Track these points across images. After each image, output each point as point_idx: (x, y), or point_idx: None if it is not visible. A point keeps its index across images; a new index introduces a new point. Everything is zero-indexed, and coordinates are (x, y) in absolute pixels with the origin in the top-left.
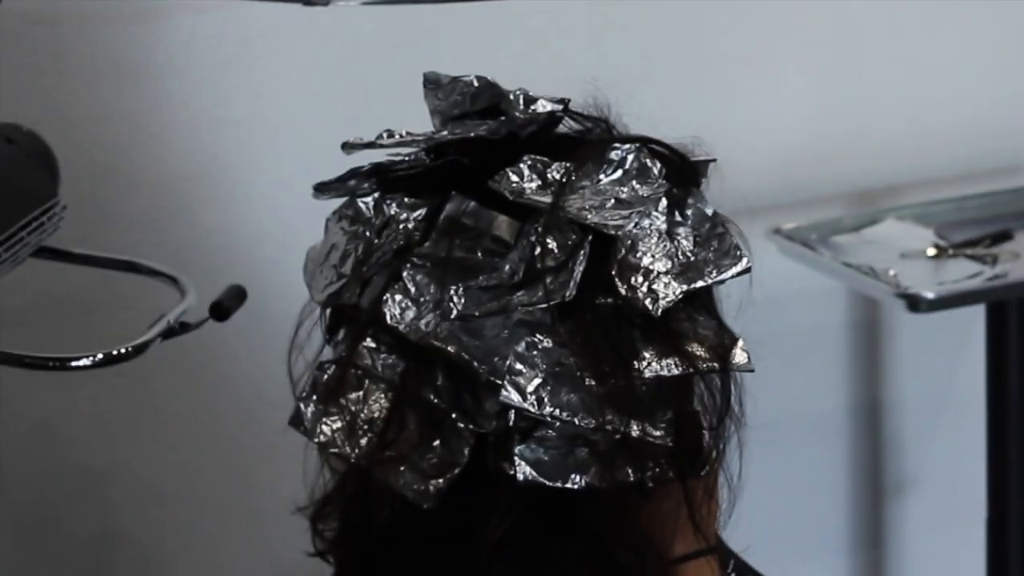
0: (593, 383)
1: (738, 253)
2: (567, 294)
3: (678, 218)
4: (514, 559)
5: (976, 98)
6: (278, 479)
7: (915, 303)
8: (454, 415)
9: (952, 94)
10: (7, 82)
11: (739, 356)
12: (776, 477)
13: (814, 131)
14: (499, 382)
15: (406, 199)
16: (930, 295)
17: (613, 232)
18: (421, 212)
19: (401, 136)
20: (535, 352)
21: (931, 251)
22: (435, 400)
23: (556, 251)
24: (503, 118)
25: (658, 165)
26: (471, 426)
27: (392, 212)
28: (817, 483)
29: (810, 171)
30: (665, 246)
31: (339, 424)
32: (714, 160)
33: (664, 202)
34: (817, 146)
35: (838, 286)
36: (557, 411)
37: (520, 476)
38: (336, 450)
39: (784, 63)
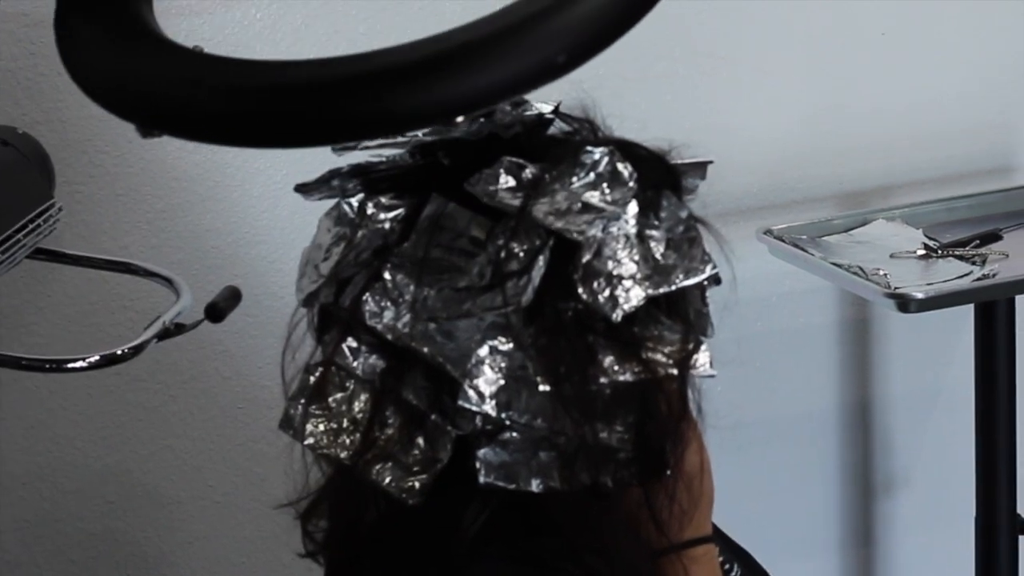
0: (548, 388)
1: (706, 259)
2: (524, 299)
3: (652, 220)
4: (500, 557)
5: (965, 100)
6: (274, 478)
7: (904, 303)
8: (433, 416)
9: (941, 96)
10: (4, 84)
11: (700, 361)
12: (766, 475)
13: (804, 132)
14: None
15: (385, 200)
16: (919, 295)
17: (575, 237)
18: (399, 212)
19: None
20: (497, 356)
21: (920, 251)
22: (414, 401)
23: (520, 255)
24: (482, 120)
25: (629, 169)
26: (449, 426)
27: (370, 212)
28: (807, 481)
29: (800, 172)
30: (632, 250)
31: (325, 425)
32: (711, 162)
33: (634, 206)
34: (807, 147)
35: (828, 286)
36: (515, 414)
37: (482, 479)
38: (323, 451)
39: (775, 64)
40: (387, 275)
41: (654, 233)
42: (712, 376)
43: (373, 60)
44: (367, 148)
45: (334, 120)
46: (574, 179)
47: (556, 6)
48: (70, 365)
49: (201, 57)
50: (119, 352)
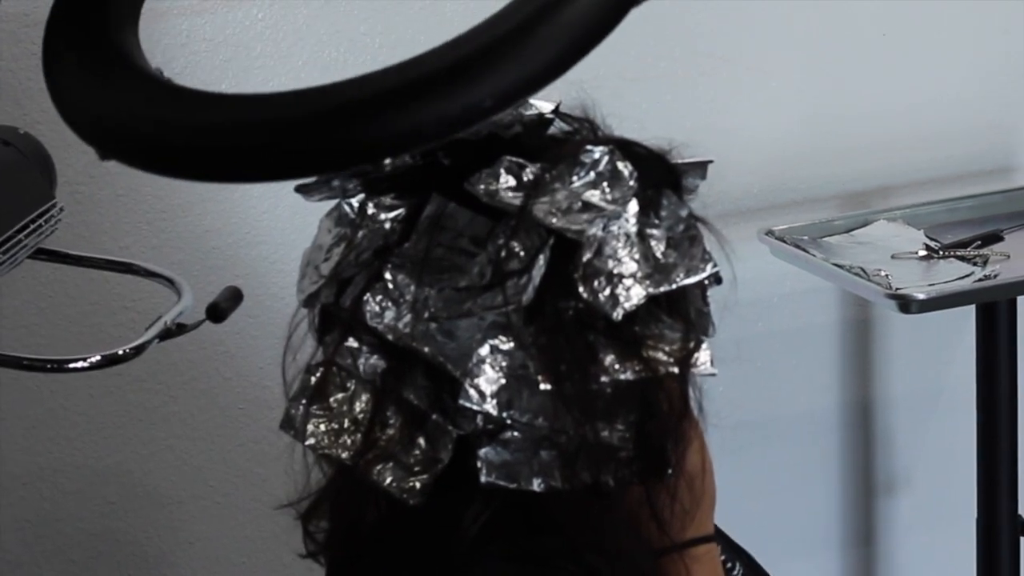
0: (549, 386)
1: (707, 257)
2: (525, 298)
3: (653, 219)
4: (501, 557)
5: (966, 100)
6: (275, 479)
7: (906, 304)
8: (434, 415)
9: (943, 96)
10: (5, 84)
11: (701, 360)
12: (768, 475)
13: (806, 133)
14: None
15: (385, 200)
16: (921, 296)
17: (574, 236)
18: (400, 212)
19: None
20: (498, 355)
21: (921, 252)
22: (415, 401)
23: (521, 254)
24: None
25: (629, 168)
26: (450, 426)
27: (371, 212)
28: (809, 481)
29: (802, 173)
30: (633, 249)
31: (326, 425)
32: (711, 161)
33: (634, 205)
34: (809, 148)
35: (829, 287)
36: (516, 414)
37: (483, 478)
38: (325, 451)
39: (776, 64)
40: (388, 275)
41: (654, 232)
42: (713, 375)
43: (309, 100)
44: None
45: (267, 159)
46: (574, 178)
47: (486, 50)
48: (71, 365)
49: (162, 89)
50: (120, 352)
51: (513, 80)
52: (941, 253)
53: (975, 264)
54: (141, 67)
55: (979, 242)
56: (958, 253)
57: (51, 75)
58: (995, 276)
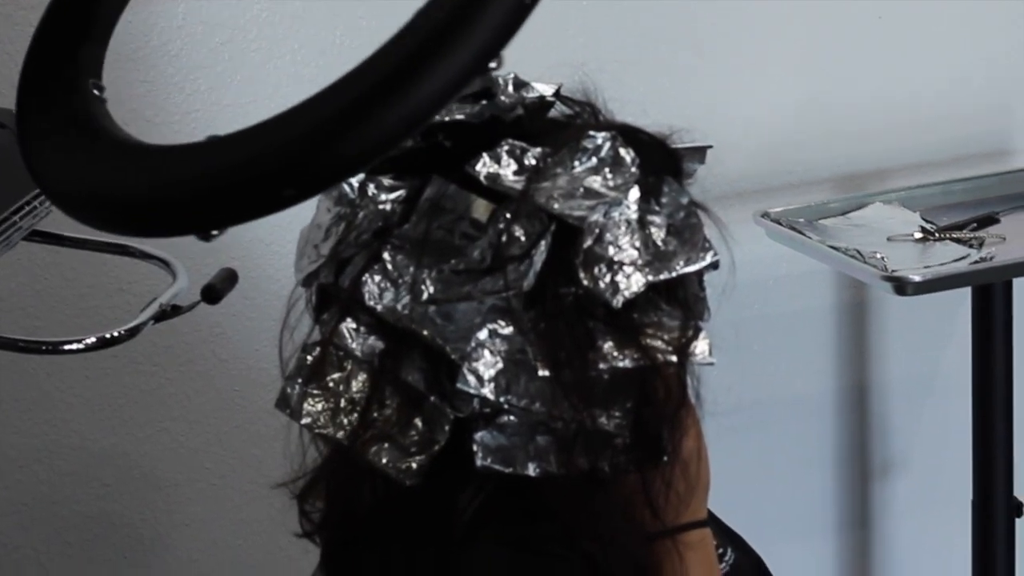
0: (548, 372)
1: (707, 245)
2: (526, 283)
3: (654, 206)
4: (495, 541)
5: (962, 83)
6: (271, 460)
7: (902, 286)
8: (432, 397)
9: (938, 79)
10: (1, 66)
11: (700, 349)
12: (764, 459)
13: (802, 116)
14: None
15: (387, 181)
16: (916, 278)
17: (575, 222)
18: (400, 194)
19: None
20: (497, 339)
21: (917, 235)
22: (413, 382)
23: (522, 239)
24: (485, 102)
25: (632, 154)
26: (448, 409)
27: (371, 193)
28: (804, 464)
29: (798, 155)
30: (634, 236)
31: (322, 405)
32: (710, 146)
33: (635, 192)
34: (805, 131)
35: (825, 269)
36: (513, 398)
37: (479, 462)
38: (320, 430)
39: (773, 48)
40: (387, 256)
41: (655, 219)
42: (711, 364)
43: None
44: None
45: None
46: (576, 163)
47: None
48: (66, 347)
49: (114, 148)
50: (115, 334)
51: (316, 172)
52: (937, 235)
53: (971, 246)
54: (101, 130)
55: (975, 224)
56: (954, 235)
57: (24, 149)
58: (991, 258)
